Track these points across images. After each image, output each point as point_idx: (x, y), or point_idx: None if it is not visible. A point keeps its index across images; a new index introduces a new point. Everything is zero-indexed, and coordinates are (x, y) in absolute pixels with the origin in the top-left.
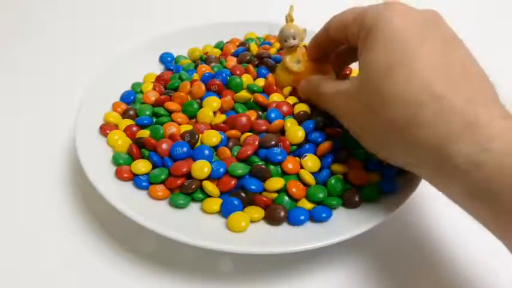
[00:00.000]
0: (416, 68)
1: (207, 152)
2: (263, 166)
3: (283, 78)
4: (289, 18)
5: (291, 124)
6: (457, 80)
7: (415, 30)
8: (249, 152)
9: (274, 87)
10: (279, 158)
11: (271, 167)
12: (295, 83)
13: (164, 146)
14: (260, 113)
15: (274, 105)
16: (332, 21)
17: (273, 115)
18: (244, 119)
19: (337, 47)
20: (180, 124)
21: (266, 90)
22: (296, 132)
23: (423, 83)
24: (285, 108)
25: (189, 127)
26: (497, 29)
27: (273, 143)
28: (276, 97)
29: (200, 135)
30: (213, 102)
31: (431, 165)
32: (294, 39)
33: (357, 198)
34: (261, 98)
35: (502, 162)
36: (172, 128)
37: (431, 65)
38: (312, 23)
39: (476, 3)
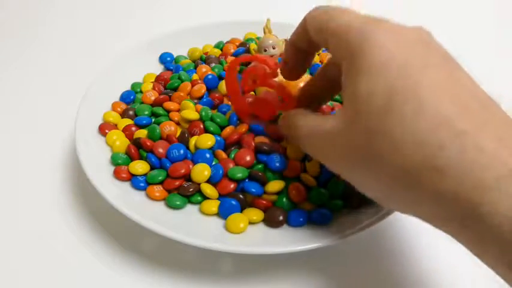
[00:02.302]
0: (425, 98)
1: (208, 155)
2: (260, 173)
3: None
4: (266, 30)
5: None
6: (475, 111)
7: (412, 52)
8: (248, 159)
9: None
10: (278, 165)
11: (270, 173)
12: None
13: (160, 150)
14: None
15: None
16: (310, 22)
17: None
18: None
19: (318, 49)
20: (178, 123)
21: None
22: (294, 151)
23: (438, 116)
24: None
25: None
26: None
27: (266, 148)
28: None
29: (196, 137)
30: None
31: (457, 222)
32: (274, 48)
33: (357, 199)
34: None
35: None
36: (168, 127)
37: (441, 94)
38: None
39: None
